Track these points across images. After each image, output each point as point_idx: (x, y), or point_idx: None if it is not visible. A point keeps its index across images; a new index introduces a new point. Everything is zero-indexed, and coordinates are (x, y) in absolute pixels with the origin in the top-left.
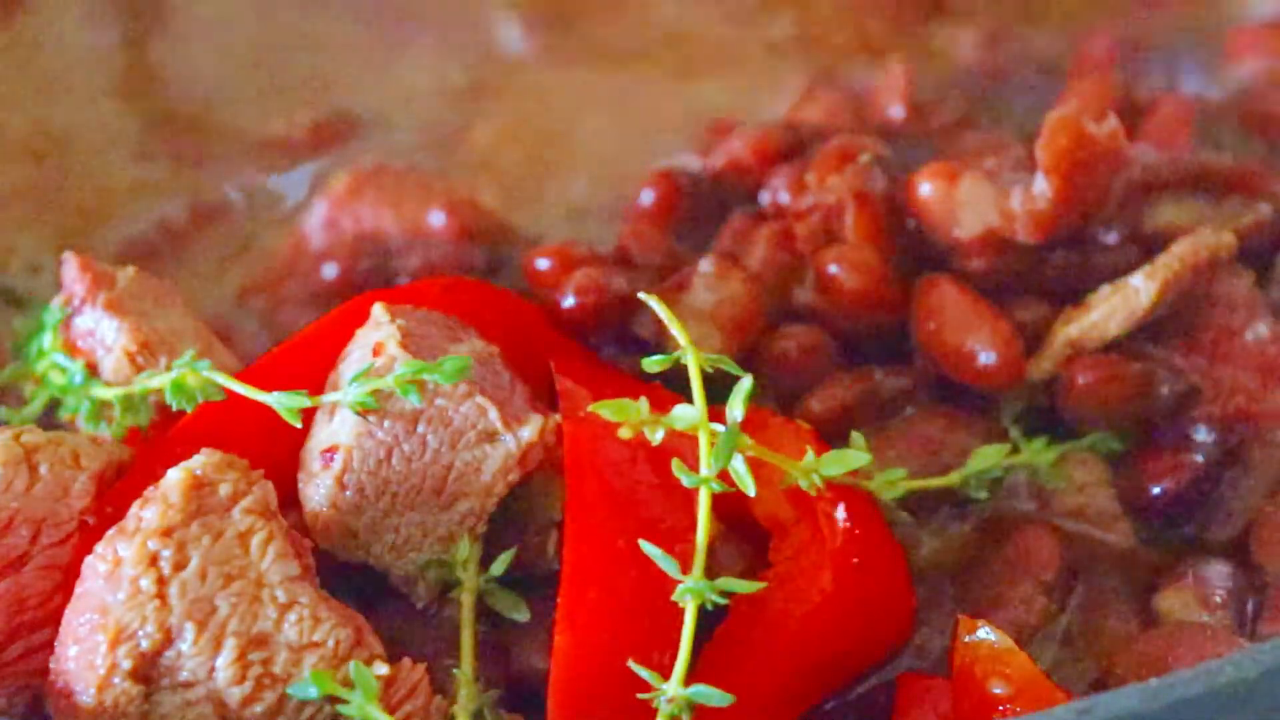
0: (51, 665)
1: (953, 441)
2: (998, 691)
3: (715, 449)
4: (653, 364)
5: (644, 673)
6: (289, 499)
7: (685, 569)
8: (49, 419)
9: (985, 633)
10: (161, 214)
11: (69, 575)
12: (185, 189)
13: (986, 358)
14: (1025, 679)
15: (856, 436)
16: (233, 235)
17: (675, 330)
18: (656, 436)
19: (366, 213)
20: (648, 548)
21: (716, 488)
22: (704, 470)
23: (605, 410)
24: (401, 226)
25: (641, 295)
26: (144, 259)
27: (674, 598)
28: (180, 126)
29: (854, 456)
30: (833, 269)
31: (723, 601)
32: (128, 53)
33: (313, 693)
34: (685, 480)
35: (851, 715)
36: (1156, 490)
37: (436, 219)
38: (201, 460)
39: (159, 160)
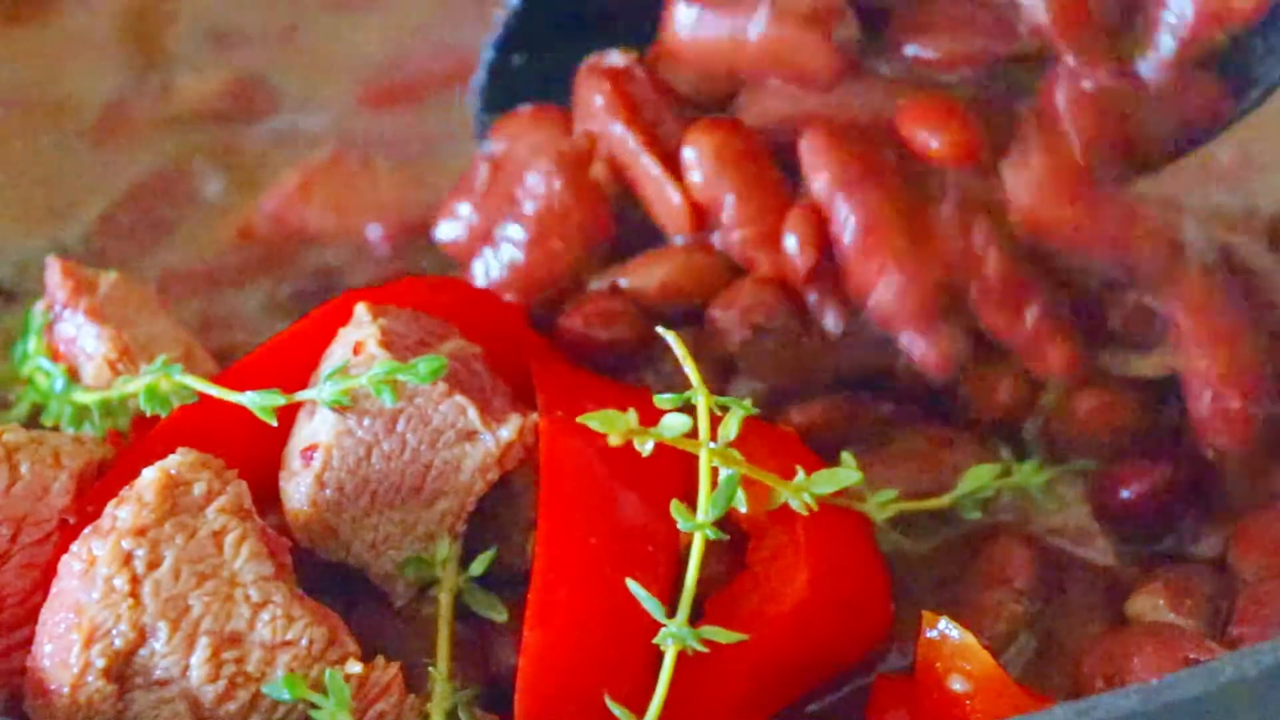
0: (28, 663)
1: (943, 459)
2: (957, 688)
3: (714, 495)
4: (664, 401)
5: (618, 710)
6: (272, 498)
7: (657, 560)
8: (37, 422)
9: (945, 625)
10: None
11: (48, 574)
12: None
13: (1007, 391)
14: (985, 675)
15: (847, 456)
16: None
17: (689, 370)
18: (646, 448)
19: (313, 215)
20: (635, 588)
21: (711, 535)
22: (700, 515)
23: (593, 422)
24: (345, 236)
25: (660, 330)
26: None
27: (655, 641)
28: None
29: (845, 475)
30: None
31: (703, 649)
32: None
33: (286, 694)
34: (682, 525)
35: (831, 717)
36: (1125, 494)
37: (373, 231)
38: (176, 460)
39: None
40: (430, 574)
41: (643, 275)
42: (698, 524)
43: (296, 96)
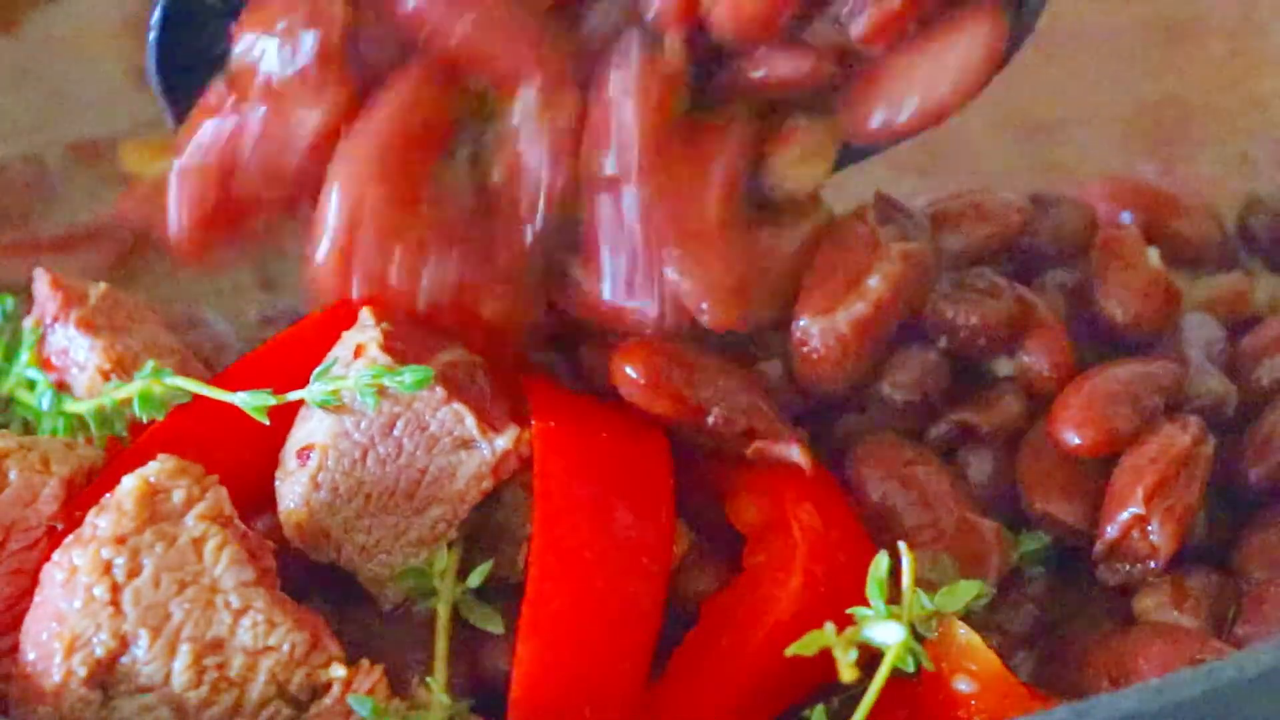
0: (13, 670)
1: None
2: (963, 688)
3: None
4: None
5: None
6: (267, 502)
7: (650, 572)
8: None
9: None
10: None
11: (36, 580)
12: None
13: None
14: (990, 676)
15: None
16: None
17: None
18: None
19: None
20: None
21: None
22: None
23: None
24: None
25: None
26: None
27: None
28: None
29: (967, 588)
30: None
31: None
32: None
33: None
34: None
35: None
36: None
37: None
38: (155, 467)
39: None
40: (428, 585)
41: None
42: None
43: None
